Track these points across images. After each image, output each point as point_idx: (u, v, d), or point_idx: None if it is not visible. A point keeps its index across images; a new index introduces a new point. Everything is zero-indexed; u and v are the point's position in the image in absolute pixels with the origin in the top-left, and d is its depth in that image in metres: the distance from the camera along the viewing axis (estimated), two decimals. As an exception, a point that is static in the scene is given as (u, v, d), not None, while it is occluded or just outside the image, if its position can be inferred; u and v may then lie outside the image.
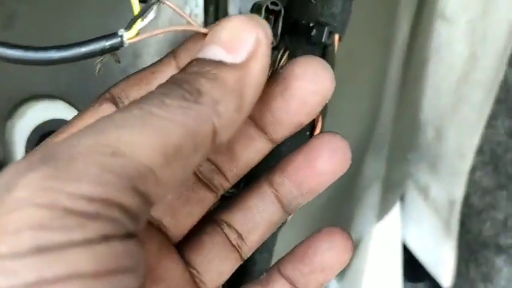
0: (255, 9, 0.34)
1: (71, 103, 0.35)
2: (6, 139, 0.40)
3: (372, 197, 0.60)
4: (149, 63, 0.24)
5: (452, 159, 0.64)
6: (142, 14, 0.16)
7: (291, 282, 0.24)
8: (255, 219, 0.24)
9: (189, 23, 0.18)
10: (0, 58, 0.16)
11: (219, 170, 0.23)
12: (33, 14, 0.34)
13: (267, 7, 0.33)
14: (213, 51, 0.18)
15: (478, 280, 0.67)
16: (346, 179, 0.49)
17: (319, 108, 0.22)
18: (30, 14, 0.35)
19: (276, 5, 0.33)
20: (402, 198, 0.74)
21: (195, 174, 0.23)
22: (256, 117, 0.22)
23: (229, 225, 0.24)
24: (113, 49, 0.16)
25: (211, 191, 0.23)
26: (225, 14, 0.37)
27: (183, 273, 0.23)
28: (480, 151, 0.61)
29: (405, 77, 0.56)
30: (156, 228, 0.22)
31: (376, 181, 0.60)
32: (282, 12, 0.34)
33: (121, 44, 0.16)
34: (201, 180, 0.23)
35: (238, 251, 0.24)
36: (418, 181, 0.70)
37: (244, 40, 0.18)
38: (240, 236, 0.24)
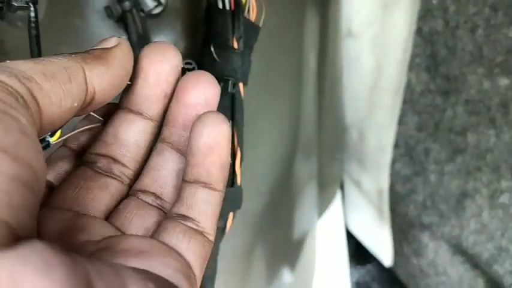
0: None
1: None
2: None
3: (309, 196, 0.67)
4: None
5: (375, 155, 0.72)
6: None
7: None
8: (162, 175, 0.26)
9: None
10: None
11: (114, 160, 0.25)
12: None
13: (182, 67, 0.40)
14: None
15: (411, 256, 0.75)
16: (279, 184, 0.56)
17: (173, 75, 0.25)
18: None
19: (190, 64, 0.41)
20: (343, 189, 0.81)
21: (93, 170, 0.25)
22: (128, 105, 0.25)
23: (143, 192, 0.25)
24: (43, 148, 0.23)
25: (116, 180, 0.25)
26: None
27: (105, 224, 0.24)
28: (396, 145, 0.69)
29: (322, 90, 0.63)
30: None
31: (310, 181, 0.66)
32: (196, 69, 0.41)
33: (48, 145, 0.23)
34: (101, 173, 0.25)
35: (158, 208, 0.25)
36: (351, 176, 0.78)
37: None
38: (155, 195, 0.26)
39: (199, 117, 0.24)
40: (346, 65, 0.67)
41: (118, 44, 0.23)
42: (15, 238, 0.15)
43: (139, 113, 0.25)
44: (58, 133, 0.24)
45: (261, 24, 0.40)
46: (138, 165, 0.26)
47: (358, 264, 0.88)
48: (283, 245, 0.66)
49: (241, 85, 0.39)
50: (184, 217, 0.24)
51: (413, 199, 0.70)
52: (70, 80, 0.20)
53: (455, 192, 0.66)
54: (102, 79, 0.22)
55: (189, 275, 0.22)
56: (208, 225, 0.25)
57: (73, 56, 0.21)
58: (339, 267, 0.82)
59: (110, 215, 0.25)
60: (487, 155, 0.64)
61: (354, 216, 0.82)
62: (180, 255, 0.23)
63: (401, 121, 0.68)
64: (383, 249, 0.79)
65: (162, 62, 0.25)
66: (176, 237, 0.23)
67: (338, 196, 0.82)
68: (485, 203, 0.65)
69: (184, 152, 0.26)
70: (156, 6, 0.43)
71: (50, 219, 0.22)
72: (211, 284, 0.43)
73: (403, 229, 0.74)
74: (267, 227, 0.58)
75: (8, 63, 0.19)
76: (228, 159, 0.24)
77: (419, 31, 0.64)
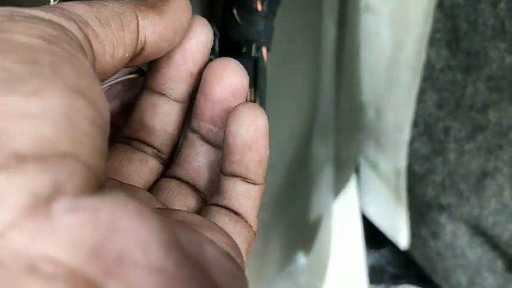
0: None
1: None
2: None
3: (325, 177, 0.66)
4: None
5: (392, 134, 0.70)
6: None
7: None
8: (194, 167, 0.25)
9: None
10: None
11: (145, 143, 0.24)
12: None
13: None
14: None
15: (429, 238, 0.74)
16: (296, 162, 0.55)
17: (201, 53, 0.23)
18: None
19: (211, 28, 0.39)
20: (358, 175, 0.80)
21: (129, 146, 0.24)
22: (152, 85, 0.24)
23: (177, 179, 0.24)
24: None
25: (152, 157, 0.24)
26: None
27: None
28: (415, 123, 0.68)
29: (340, 66, 0.62)
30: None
31: (327, 162, 0.65)
32: (218, 34, 0.40)
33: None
34: (138, 150, 0.24)
35: (195, 192, 0.25)
36: (367, 157, 0.77)
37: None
38: (189, 184, 0.25)
39: (234, 113, 0.22)
40: (364, 40, 0.65)
41: None
42: (100, 185, 0.15)
43: (163, 94, 0.24)
44: None
45: (284, -13, 0.38)
46: (169, 149, 0.25)
47: (372, 248, 0.87)
48: (299, 226, 0.65)
49: (264, 50, 0.38)
50: (225, 208, 0.23)
51: (432, 179, 0.68)
52: (123, 27, 0.19)
53: (476, 172, 0.65)
54: (154, 29, 0.20)
55: (240, 254, 0.21)
56: (250, 218, 0.24)
57: (126, 0, 0.20)
58: (354, 251, 0.82)
59: (149, 191, 0.24)
60: (509, 133, 0.62)
61: (369, 198, 0.81)
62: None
63: (420, 99, 0.66)
64: (399, 232, 0.78)
65: (189, 37, 0.23)
66: (222, 220, 0.23)
67: (353, 178, 0.81)
68: (506, 182, 0.64)
69: (216, 144, 0.25)
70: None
71: None
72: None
73: (420, 211, 0.73)
74: (283, 205, 0.56)
75: (63, 5, 0.18)
76: (266, 152, 0.23)
77: (439, 5, 0.62)
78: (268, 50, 0.38)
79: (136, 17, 0.20)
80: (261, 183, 0.24)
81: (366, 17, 0.65)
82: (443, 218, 0.69)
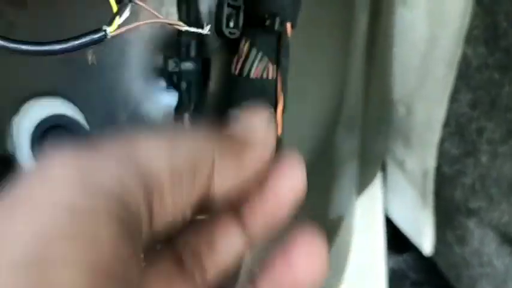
0: (218, 5, 0.39)
1: (69, 99, 0.40)
2: (13, 133, 0.45)
3: (349, 172, 0.64)
4: (134, 59, 0.26)
5: (422, 132, 0.68)
6: (120, 12, 0.21)
7: None
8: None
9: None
10: (17, 52, 0.21)
11: (198, 259, 0.20)
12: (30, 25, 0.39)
13: (228, 3, 0.38)
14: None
15: (454, 244, 0.71)
16: (319, 151, 0.53)
17: (293, 202, 0.20)
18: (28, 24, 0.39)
19: (236, 0, 0.38)
20: (384, 172, 0.78)
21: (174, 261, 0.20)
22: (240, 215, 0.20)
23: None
24: (100, 40, 0.21)
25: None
26: (197, 12, 0.41)
27: None
28: (447, 123, 0.65)
29: (371, 57, 0.60)
30: None
31: (352, 157, 0.63)
32: (242, 6, 0.39)
33: (105, 36, 0.21)
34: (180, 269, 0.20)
35: None
36: (394, 156, 0.74)
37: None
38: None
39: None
40: (398, 34, 0.63)
41: (263, 136, 0.18)
42: None
43: (237, 218, 0.20)
44: (116, 25, 0.22)
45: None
46: (219, 275, 0.21)
47: (394, 251, 0.85)
48: (318, 223, 0.63)
49: (288, 25, 0.37)
50: None
51: (461, 182, 0.66)
52: (194, 176, 0.16)
53: (508, 176, 0.62)
54: (224, 181, 0.17)
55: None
56: None
57: (205, 134, 0.17)
58: (375, 253, 0.79)
59: None
60: (546, 137, 0.59)
61: (394, 199, 0.79)
62: None
63: (453, 98, 0.64)
64: (423, 236, 0.76)
65: (291, 189, 0.20)
66: None
67: (378, 177, 0.79)
68: (541, 189, 0.60)
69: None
70: None
71: None
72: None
73: (447, 214, 0.70)
74: (306, 205, 0.55)
75: (139, 148, 0.15)
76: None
77: (479, 1, 0.60)
78: (293, 27, 0.37)
79: (213, 160, 0.17)
80: None
81: (401, 10, 0.63)
82: (471, 223, 0.66)
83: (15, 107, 0.43)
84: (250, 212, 0.20)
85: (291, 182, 0.20)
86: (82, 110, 0.40)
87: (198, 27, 0.39)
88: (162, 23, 0.24)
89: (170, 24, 0.24)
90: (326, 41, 0.49)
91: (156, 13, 0.24)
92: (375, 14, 0.58)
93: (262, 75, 0.36)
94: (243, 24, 0.37)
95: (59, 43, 0.22)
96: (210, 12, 0.41)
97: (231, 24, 0.37)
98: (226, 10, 0.37)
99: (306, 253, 0.19)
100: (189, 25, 0.30)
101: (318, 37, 0.47)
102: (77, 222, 0.13)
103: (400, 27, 0.64)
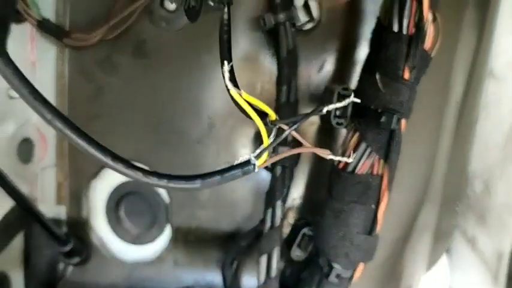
0: (328, 92, 0.37)
1: (150, 167, 0.39)
2: (89, 197, 0.44)
3: (423, 247, 0.61)
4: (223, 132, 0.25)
5: (500, 213, 0.64)
6: (271, 145, 0.19)
7: None
8: None
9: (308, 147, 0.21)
10: (163, 187, 0.20)
11: None
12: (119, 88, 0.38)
13: (338, 92, 0.36)
14: None
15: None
16: (403, 235, 0.50)
17: None
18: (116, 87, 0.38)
19: (347, 89, 0.36)
20: (448, 249, 0.73)
21: None
22: None
23: None
24: (248, 173, 0.19)
25: None
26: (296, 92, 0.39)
27: None
28: (529, 206, 0.61)
29: (457, 133, 0.57)
30: None
31: (427, 232, 0.60)
32: (352, 96, 0.37)
33: (253, 170, 0.19)
34: None
35: None
36: (465, 232, 0.70)
37: None
38: None
39: None
40: (484, 108, 0.60)
41: None
42: None
43: None
44: (264, 156, 0.20)
45: (433, 55, 0.34)
46: None
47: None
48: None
49: (403, 122, 0.34)
50: None
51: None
52: None
53: None
54: None
55: None
56: None
57: None
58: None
59: None
60: None
61: (460, 276, 0.74)
62: None
63: (538, 179, 0.59)
64: (490, 319, 0.70)
65: None
66: None
67: (444, 254, 0.75)
68: None
69: None
70: (308, 22, 0.39)
71: None
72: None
73: (520, 300, 0.65)
74: (381, 279, 0.52)
75: None
76: None
77: None
78: (406, 121, 0.35)
79: None
80: None
81: (488, 83, 0.60)
82: (549, 315, 0.61)
83: (94, 171, 0.42)
84: None
85: None
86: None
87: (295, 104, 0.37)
88: (308, 151, 0.22)
89: (315, 152, 0.22)
90: (420, 123, 0.47)
91: (304, 141, 0.21)
92: (466, 89, 0.55)
93: (368, 171, 0.34)
94: (351, 114, 0.35)
95: (203, 178, 0.20)
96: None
97: (339, 113, 0.35)
98: (335, 99, 0.35)
99: None
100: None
101: (413, 121, 0.45)
102: None
103: (486, 100, 0.60)
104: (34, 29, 0.37)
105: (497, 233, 0.65)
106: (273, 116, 0.20)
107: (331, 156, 0.22)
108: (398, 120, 0.32)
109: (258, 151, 0.19)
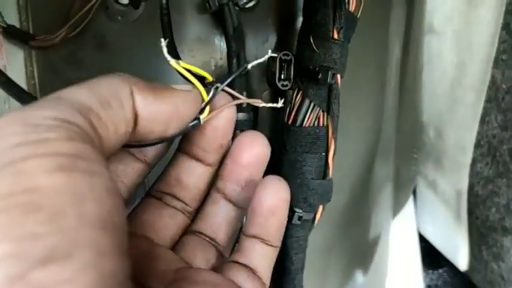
0: (271, 60, 0.42)
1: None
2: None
3: (385, 196, 0.66)
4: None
5: (454, 155, 0.69)
6: (209, 100, 0.24)
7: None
8: (216, 222, 0.29)
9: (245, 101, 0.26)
10: None
11: (177, 198, 0.28)
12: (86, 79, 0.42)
13: (280, 57, 0.40)
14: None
15: (491, 261, 0.72)
16: (360, 182, 0.55)
17: (229, 128, 0.27)
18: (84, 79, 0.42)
19: (288, 55, 0.41)
20: (415, 194, 0.79)
21: (161, 201, 0.27)
22: (188, 152, 0.27)
23: (199, 233, 0.28)
24: (195, 127, 0.24)
25: (181, 213, 0.28)
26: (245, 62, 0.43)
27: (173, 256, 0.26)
28: (478, 145, 0.67)
29: (402, 87, 0.62)
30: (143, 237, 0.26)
31: (387, 182, 0.65)
32: (293, 60, 0.41)
33: (199, 123, 0.24)
34: (168, 205, 0.28)
35: (214, 246, 0.28)
36: (426, 177, 0.76)
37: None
38: (210, 238, 0.28)
39: (262, 183, 0.26)
40: (427, 61, 0.65)
41: (187, 90, 0.23)
42: None
43: (199, 160, 0.28)
44: (207, 110, 0.24)
45: (358, 16, 0.39)
46: (196, 204, 0.29)
47: (430, 268, 0.86)
48: (359, 245, 0.65)
49: (338, 76, 0.39)
50: (244, 266, 0.26)
51: (496, 202, 0.67)
52: (123, 105, 0.20)
53: (543, 195, 0.63)
54: (146, 107, 0.21)
55: None
56: (265, 277, 0.27)
57: (119, 75, 0.21)
58: (411, 271, 0.81)
59: (174, 246, 0.27)
60: None
61: (427, 218, 0.80)
62: None
63: (483, 120, 0.65)
64: (458, 253, 0.77)
65: (219, 117, 0.26)
66: (241, 277, 0.26)
67: (410, 198, 0.80)
68: None
69: (236, 204, 0.29)
70: (250, 1, 0.43)
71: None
72: (301, 275, 0.43)
73: (482, 233, 0.71)
74: (345, 225, 0.57)
75: (63, 93, 0.19)
76: (285, 220, 0.27)
77: (506, 26, 0.61)
78: (341, 76, 0.40)
79: (132, 92, 0.21)
80: (277, 246, 0.27)
81: (428, 37, 0.65)
82: (508, 241, 0.67)
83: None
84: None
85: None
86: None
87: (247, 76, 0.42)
88: (243, 102, 0.26)
89: (249, 103, 0.27)
90: (365, 80, 0.51)
91: (238, 94, 0.26)
92: (406, 45, 0.59)
93: (314, 123, 0.38)
94: (294, 76, 0.40)
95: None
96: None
97: (283, 76, 0.40)
98: (278, 64, 0.40)
99: (246, 146, 0.27)
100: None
101: (356, 77, 0.50)
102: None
103: (428, 55, 0.65)
104: (1, 35, 0.39)
105: (454, 173, 0.70)
106: (209, 78, 0.24)
107: (263, 104, 0.27)
108: (334, 75, 0.37)
109: (200, 107, 0.24)
